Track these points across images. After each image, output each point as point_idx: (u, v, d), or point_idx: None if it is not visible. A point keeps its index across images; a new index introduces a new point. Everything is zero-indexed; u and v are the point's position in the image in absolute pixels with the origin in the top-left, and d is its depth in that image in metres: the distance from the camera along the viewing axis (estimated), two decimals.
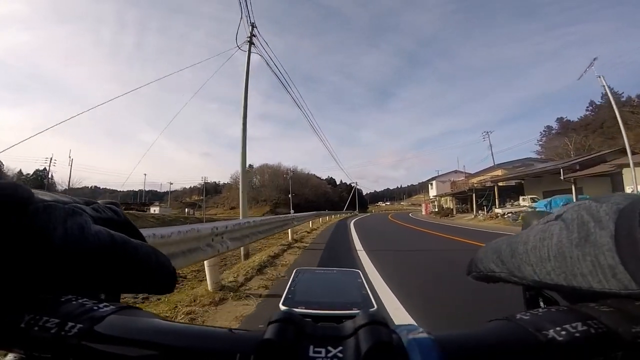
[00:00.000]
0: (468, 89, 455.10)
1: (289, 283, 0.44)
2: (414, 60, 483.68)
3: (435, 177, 48.45)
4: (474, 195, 25.34)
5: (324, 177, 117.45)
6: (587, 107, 58.64)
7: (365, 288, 0.43)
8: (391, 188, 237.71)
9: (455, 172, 46.59)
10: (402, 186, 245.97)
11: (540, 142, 58.14)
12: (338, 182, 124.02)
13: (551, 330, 0.18)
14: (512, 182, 23.96)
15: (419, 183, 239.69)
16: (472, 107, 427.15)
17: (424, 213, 42.49)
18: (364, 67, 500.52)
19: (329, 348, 0.18)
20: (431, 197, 46.26)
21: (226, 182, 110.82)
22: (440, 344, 0.17)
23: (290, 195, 58.31)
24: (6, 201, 0.19)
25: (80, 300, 0.21)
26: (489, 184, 25.60)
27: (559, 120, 60.00)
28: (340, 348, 0.18)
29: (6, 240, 0.19)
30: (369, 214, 54.84)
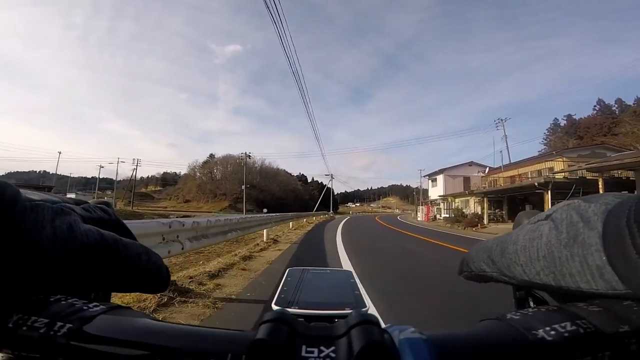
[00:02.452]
0: (441, 95, 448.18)
1: (281, 283, 0.44)
2: (390, 64, 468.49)
3: (443, 170, 32.47)
4: (549, 193, 14.01)
5: (295, 175, 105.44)
6: (595, 106, 51.68)
7: (358, 288, 0.42)
8: (361, 189, 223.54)
9: (470, 164, 32.09)
10: (372, 188, 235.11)
11: (545, 142, 49.88)
12: (309, 180, 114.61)
13: (541, 330, 0.18)
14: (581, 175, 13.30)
15: (389, 185, 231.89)
16: (442, 113, 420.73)
17: (421, 218, 31.18)
18: (342, 67, 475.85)
19: (322, 348, 0.17)
20: (435, 198, 32.86)
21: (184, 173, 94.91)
22: (432, 344, 0.17)
23: (244, 187, 44.34)
24: None
25: (69, 300, 0.20)
26: (571, 176, 14.60)
27: (567, 117, 52.36)
28: (333, 348, 0.17)
29: None
30: (347, 216, 40.77)
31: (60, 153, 62.40)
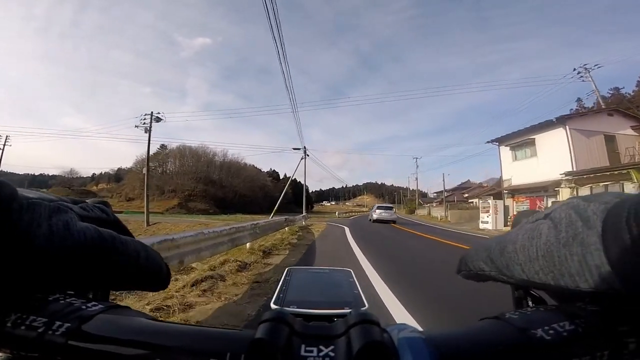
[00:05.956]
0: (413, 95, 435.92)
1: (280, 282, 0.42)
2: (364, 64, 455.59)
3: (564, 119, 13.96)
4: None
5: (266, 171, 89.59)
6: (638, 80, 41.01)
7: (357, 287, 0.41)
8: (336, 187, 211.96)
9: (611, 114, 15.06)
10: (347, 186, 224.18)
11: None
12: (282, 177, 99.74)
13: (539, 330, 0.18)
14: None
15: (364, 183, 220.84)
16: (413, 115, 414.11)
17: (495, 226, 16.29)
18: (318, 64, 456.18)
19: (321, 347, 0.17)
20: (548, 181, 14.15)
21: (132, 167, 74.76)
22: (431, 343, 0.17)
23: (145, 172, 24.56)
24: None
25: (68, 299, 0.20)
26: None
27: (614, 89, 40.91)
28: (332, 347, 0.17)
29: None
30: (338, 225, 17.64)
31: None
